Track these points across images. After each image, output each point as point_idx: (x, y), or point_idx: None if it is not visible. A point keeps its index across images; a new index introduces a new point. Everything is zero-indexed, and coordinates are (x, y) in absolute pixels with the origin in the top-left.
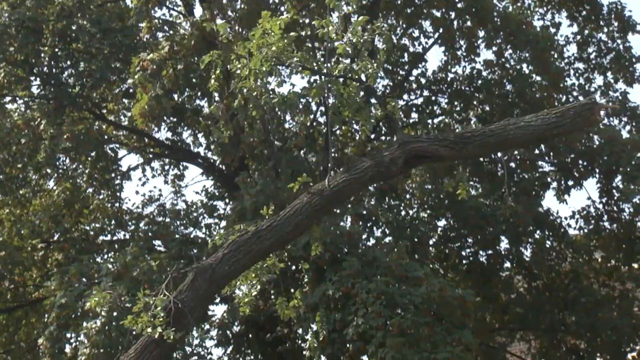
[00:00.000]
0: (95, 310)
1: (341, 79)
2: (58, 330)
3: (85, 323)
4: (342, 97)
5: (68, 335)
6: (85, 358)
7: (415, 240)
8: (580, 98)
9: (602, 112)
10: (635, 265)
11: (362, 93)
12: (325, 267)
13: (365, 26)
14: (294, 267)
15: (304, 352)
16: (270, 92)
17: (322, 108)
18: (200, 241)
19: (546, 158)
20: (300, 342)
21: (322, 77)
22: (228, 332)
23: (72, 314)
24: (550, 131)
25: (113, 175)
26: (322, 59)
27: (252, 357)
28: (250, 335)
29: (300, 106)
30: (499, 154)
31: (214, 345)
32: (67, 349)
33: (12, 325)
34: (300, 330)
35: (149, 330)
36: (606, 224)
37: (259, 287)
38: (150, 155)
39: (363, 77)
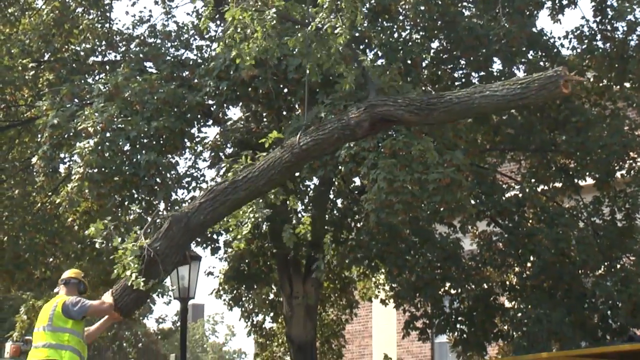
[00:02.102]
0: (87, 131)
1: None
2: (51, 149)
3: (79, 143)
4: (322, 49)
5: (62, 155)
6: (79, 177)
7: (408, 62)
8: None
9: (569, 85)
10: (627, 85)
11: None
12: (317, 89)
13: None
14: (286, 90)
15: (296, 174)
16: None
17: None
18: (192, 63)
19: None
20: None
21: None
22: (220, 153)
23: (64, 134)
24: (515, 102)
25: None
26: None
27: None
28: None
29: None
30: None
31: (206, 167)
32: (61, 168)
33: (5, 144)
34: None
35: (127, 273)
36: (599, 43)
37: (252, 222)
38: None
39: (340, 30)
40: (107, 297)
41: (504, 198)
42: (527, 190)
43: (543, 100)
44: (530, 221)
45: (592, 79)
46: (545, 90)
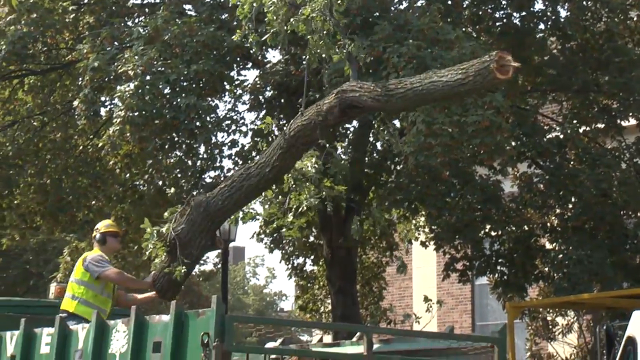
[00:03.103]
0: (128, 74)
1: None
2: (92, 93)
3: (119, 86)
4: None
5: (102, 99)
6: (120, 120)
7: (449, 2)
8: None
9: (509, 70)
10: None
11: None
12: (356, 31)
13: None
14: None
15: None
16: None
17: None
18: (231, 6)
19: None
20: None
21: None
22: (260, 96)
23: (105, 77)
24: (457, 88)
25: None
26: None
27: (284, 122)
28: (282, 100)
29: None
30: None
31: (246, 110)
32: (102, 111)
33: (46, 87)
34: None
35: (156, 260)
36: None
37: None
38: None
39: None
40: (149, 277)
41: (545, 139)
42: (569, 131)
43: (481, 87)
44: (572, 162)
45: (635, 18)
46: (480, 77)
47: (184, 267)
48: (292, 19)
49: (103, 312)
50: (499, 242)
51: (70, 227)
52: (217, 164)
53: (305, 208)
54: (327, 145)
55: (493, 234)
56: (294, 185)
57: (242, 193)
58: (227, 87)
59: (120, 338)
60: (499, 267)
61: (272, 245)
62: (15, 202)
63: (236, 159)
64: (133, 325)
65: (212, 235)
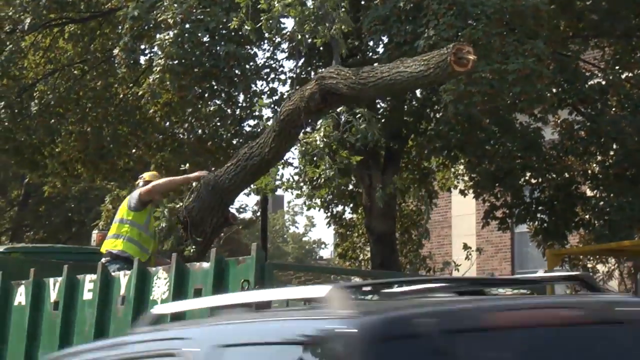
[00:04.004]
0: (167, 22)
1: None
2: (132, 41)
3: (159, 35)
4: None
5: (142, 47)
6: (160, 69)
7: None
8: None
9: (469, 62)
10: None
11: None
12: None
13: None
14: None
15: (375, 65)
16: None
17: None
18: None
19: None
20: (371, 54)
21: None
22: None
23: (144, 25)
24: (421, 80)
25: None
26: None
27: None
28: (320, 48)
29: None
30: None
31: (285, 58)
32: (142, 60)
33: (86, 35)
34: (371, 43)
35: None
36: None
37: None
38: None
39: None
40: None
41: (586, 86)
42: (611, 77)
43: (441, 79)
44: (614, 109)
45: None
46: (439, 69)
47: (193, 247)
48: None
49: (146, 251)
50: (539, 190)
51: (111, 175)
52: (257, 113)
53: (322, 180)
54: (338, 113)
55: (533, 181)
56: (304, 159)
57: (247, 172)
58: (266, 35)
59: (161, 285)
60: (539, 215)
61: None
62: (57, 150)
63: (275, 107)
64: (174, 273)
65: (224, 212)
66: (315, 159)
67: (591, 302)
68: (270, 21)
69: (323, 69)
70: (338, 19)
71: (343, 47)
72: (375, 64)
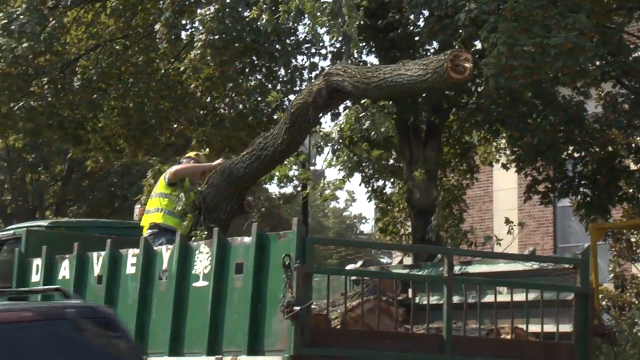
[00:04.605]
0: None
1: None
2: (173, 16)
3: (200, 10)
4: None
5: (183, 22)
6: (201, 44)
7: None
8: None
9: (466, 69)
10: None
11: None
12: None
13: None
14: None
15: (416, 38)
16: None
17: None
18: None
19: None
20: (412, 27)
21: None
22: (339, 19)
23: (186, 0)
24: (420, 84)
25: None
26: None
27: (363, 44)
28: (361, 22)
29: None
30: None
31: (325, 33)
32: (183, 35)
33: (128, 10)
34: (412, 16)
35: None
36: None
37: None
38: None
39: None
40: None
41: (630, 58)
42: None
43: (439, 84)
44: None
45: None
46: (437, 75)
47: (205, 232)
48: None
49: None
50: (582, 163)
51: (153, 149)
52: (297, 87)
53: (344, 173)
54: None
55: (576, 155)
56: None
57: (261, 162)
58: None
59: (203, 259)
60: (581, 189)
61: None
62: (100, 125)
63: (340, 33)
64: (216, 247)
65: (240, 200)
66: (333, 150)
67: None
68: (288, 14)
69: (332, 66)
70: (354, 16)
71: (357, 46)
72: (380, 65)
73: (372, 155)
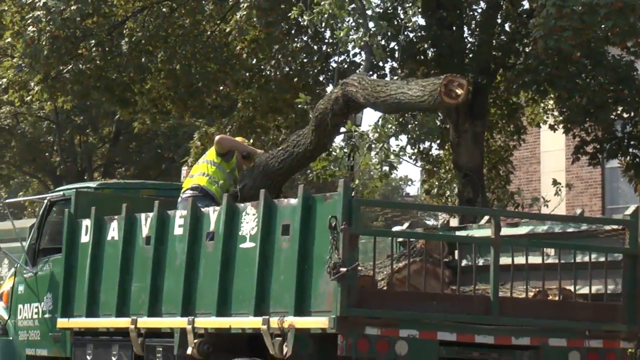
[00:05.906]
0: None
1: None
2: None
3: None
4: None
5: None
6: (247, 5)
7: None
8: None
9: (460, 95)
10: None
11: None
12: None
13: None
14: None
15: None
16: None
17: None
18: None
19: None
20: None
21: None
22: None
23: None
24: (418, 104)
25: None
26: None
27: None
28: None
29: None
30: None
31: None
32: None
33: None
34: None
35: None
36: None
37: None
38: None
39: None
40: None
41: None
42: None
43: (434, 107)
44: None
45: None
46: (432, 97)
47: None
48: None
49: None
50: (631, 124)
51: (199, 112)
52: (343, 49)
53: (380, 172)
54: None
55: (625, 115)
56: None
57: (294, 159)
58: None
59: (250, 220)
60: (631, 150)
61: (398, 130)
62: (147, 87)
63: (362, 42)
64: (262, 208)
65: (276, 193)
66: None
67: None
68: (322, 15)
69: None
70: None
71: (380, 55)
72: (389, 80)
73: (396, 159)
